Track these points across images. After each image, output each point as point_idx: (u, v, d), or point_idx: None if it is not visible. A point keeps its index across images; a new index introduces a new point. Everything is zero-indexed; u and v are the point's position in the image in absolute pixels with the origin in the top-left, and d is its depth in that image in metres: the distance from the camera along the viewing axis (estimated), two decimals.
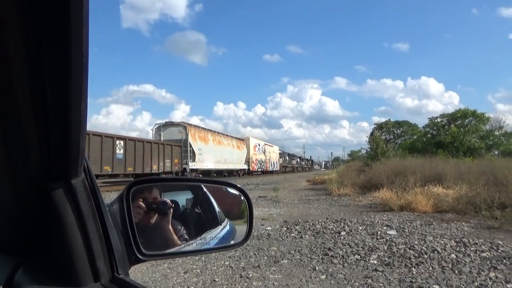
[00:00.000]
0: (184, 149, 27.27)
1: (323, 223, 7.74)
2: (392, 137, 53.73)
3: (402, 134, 54.29)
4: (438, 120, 39.23)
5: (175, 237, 1.02)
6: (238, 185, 1.32)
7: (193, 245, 1.08)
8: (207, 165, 31.02)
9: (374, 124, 58.53)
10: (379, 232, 6.60)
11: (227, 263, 4.89)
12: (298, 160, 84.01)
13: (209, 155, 31.42)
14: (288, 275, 4.43)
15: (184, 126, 28.63)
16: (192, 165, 28.05)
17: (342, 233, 6.71)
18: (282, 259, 5.06)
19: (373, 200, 12.54)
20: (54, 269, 0.71)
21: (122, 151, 19.84)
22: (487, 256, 5.00)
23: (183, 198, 1.19)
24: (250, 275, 4.42)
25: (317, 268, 4.65)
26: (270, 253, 5.42)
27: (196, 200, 1.25)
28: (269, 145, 52.91)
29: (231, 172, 37.99)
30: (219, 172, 35.15)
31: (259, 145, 47.25)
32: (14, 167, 0.61)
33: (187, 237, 1.07)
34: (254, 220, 1.30)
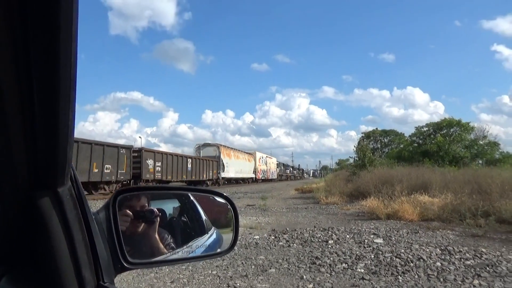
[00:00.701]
0: (218, 163, 37.92)
1: (311, 232, 7.75)
2: (379, 146, 54.21)
3: (389, 143, 54.79)
4: (424, 129, 39.69)
5: (161, 245, 1.02)
6: (225, 194, 1.33)
7: (180, 253, 1.09)
8: (230, 175, 41.71)
9: (362, 133, 59.20)
10: (366, 241, 6.64)
11: (214, 272, 4.86)
12: (291, 169, 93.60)
13: (232, 167, 42.13)
14: (276, 284, 4.42)
15: (217, 146, 40.11)
16: (222, 175, 38.70)
17: (330, 241, 6.73)
18: (270, 268, 5.05)
19: (360, 209, 12.61)
20: (39, 277, 0.70)
21: (190, 165, 30.45)
22: (471, 264, 5.07)
23: (170, 206, 1.20)
24: (238, 284, 4.40)
25: (304, 277, 4.65)
26: (258, 262, 5.40)
27: (183, 209, 1.25)
28: (269, 157, 63.42)
29: (243, 180, 47.47)
30: (236, 180, 45.20)
31: (262, 158, 57.76)
32: (0, 176, 0.61)
33: (173, 245, 1.07)
34: (242, 228, 1.31)
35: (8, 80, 0.50)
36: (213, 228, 1.30)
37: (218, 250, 1.26)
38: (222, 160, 38.68)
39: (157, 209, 1.05)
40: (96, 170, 18.09)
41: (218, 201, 1.35)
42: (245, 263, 5.33)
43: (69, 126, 0.59)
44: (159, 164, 24.57)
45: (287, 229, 8.24)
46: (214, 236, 1.28)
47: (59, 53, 0.49)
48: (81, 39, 0.51)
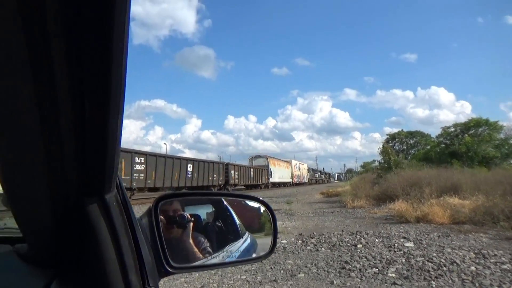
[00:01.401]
0: (267, 170, 47.66)
1: (338, 236, 7.66)
2: (405, 147, 53.15)
3: (415, 144, 53.62)
4: (451, 129, 38.61)
5: (196, 250, 1.03)
6: (260, 198, 1.33)
7: (218, 258, 1.09)
8: (276, 180, 51.29)
9: (387, 134, 58.31)
10: (396, 245, 6.51)
11: (243, 277, 4.86)
12: (319, 173, 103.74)
13: (277, 174, 51.98)
14: None
15: (266, 157, 50.55)
16: (270, 180, 48.20)
17: (359, 245, 6.63)
18: (299, 273, 5.02)
19: (388, 212, 12.35)
20: (88, 281, 0.72)
21: (252, 173, 41.01)
22: (508, 268, 4.88)
23: (203, 211, 1.21)
24: None
25: (334, 282, 4.60)
26: (287, 266, 5.37)
27: (217, 214, 1.26)
28: (301, 164, 73.71)
29: (283, 184, 55.78)
30: (279, 184, 53.29)
31: (297, 165, 67.40)
32: (52, 183, 0.63)
33: (210, 250, 1.08)
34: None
35: (63, 94, 0.52)
36: (246, 232, 1.31)
37: (254, 255, 1.25)
38: (270, 168, 48.97)
39: (192, 214, 1.06)
40: (210, 178, 29.74)
41: (250, 206, 1.35)
42: (274, 267, 5.32)
43: (117, 135, 0.61)
44: (237, 173, 36.01)
45: (314, 233, 8.19)
46: (248, 240, 1.28)
47: (112, 56, 0.50)
48: None
